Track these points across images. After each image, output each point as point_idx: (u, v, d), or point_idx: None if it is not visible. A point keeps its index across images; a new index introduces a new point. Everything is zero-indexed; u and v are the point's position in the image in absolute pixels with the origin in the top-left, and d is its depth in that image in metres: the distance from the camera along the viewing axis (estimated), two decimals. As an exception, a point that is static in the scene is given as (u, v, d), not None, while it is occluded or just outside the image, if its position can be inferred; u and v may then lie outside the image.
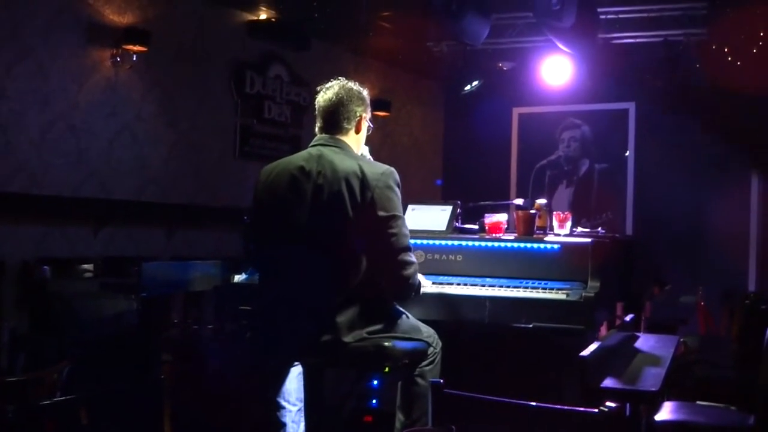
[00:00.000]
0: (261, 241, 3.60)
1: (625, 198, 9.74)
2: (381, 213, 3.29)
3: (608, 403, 1.95)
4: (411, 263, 3.37)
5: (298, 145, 8.18)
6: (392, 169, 3.41)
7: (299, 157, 3.50)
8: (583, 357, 2.56)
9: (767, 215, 9.05)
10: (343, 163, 3.37)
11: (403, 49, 9.00)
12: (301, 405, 3.63)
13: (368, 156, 3.69)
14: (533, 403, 2.00)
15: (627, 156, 9.72)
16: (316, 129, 3.60)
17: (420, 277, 3.59)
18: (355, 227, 3.29)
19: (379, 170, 3.37)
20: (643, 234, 9.14)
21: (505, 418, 2.06)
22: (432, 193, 10.16)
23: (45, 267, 5.38)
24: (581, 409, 1.97)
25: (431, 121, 10.96)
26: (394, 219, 3.32)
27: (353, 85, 3.63)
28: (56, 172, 6.18)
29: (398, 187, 3.39)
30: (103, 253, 6.37)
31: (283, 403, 3.57)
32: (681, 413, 3.72)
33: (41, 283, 5.25)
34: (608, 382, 2.65)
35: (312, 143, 3.56)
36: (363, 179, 3.30)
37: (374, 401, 4.07)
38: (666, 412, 3.69)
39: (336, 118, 3.55)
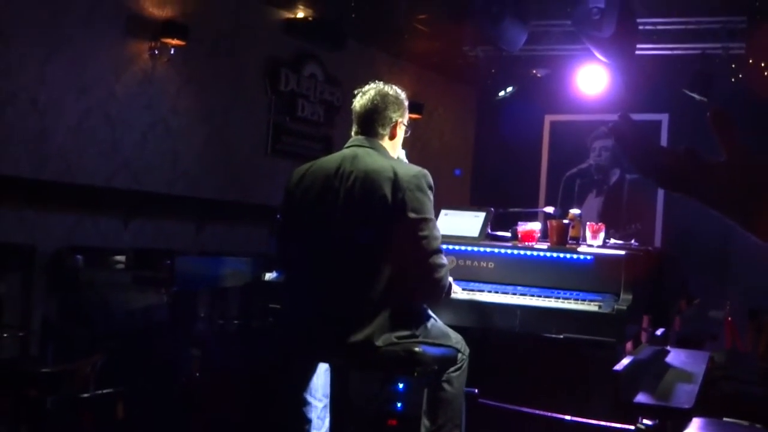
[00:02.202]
0: (292, 241, 3.61)
1: (654, 210, 9.67)
2: (412, 215, 3.29)
3: (644, 420, 1.93)
4: (442, 266, 3.37)
5: (330, 144, 8.19)
6: (425, 171, 3.41)
7: (334, 159, 3.51)
8: (617, 371, 2.55)
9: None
10: (376, 163, 3.38)
11: (438, 53, 8.99)
12: (326, 401, 3.63)
13: (405, 159, 3.69)
14: (568, 417, 1.99)
15: (658, 167, 9.64)
16: (352, 132, 3.62)
17: (451, 281, 3.60)
18: (385, 228, 3.30)
19: (412, 172, 3.37)
20: (671, 246, 9.07)
21: (539, 429, 2.05)
22: (460, 198, 10.14)
23: (78, 256, 5.40)
24: (617, 425, 1.95)
25: (462, 126, 10.94)
26: (425, 222, 3.32)
27: (390, 90, 3.62)
28: (90, 160, 6.22)
29: (431, 189, 3.39)
30: (133, 245, 6.41)
31: (309, 399, 3.58)
32: (709, 430, 3.69)
33: (74, 271, 5.27)
34: (641, 398, 2.63)
35: (347, 144, 3.57)
36: (395, 180, 3.30)
37: (399, 405, 4.06)
38: (694, 429, 3.66)
39: (371, 123, 3.56)
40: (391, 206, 3.27)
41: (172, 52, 6.69)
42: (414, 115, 9.08)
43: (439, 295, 3.43)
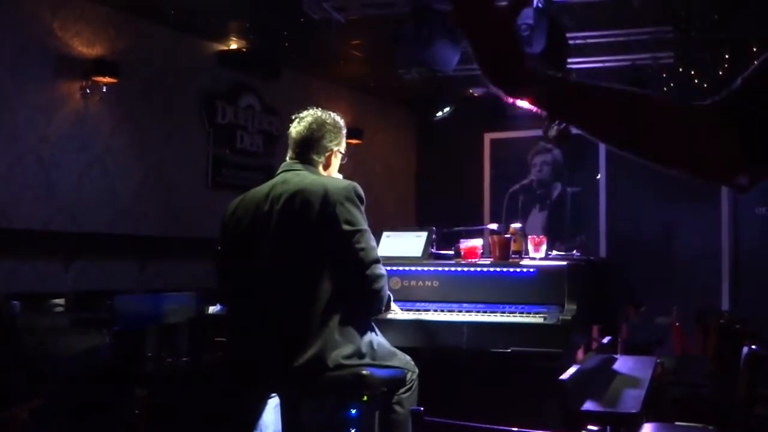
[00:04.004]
0: (232, 272, 3.58)
1: (597, 220, 9.79)
2: (346, 227, 3.28)
3: (590, 427, 1.93)
4: (381, 276, 3.36)
5: (271, 173, 8.05)
6: (354, 183, 3.41)
7: (264, 187, 3.52)
8: (562, 380, 2.55)
9: (738, 234, 9.13)
10: (305, 182, 3.38)
11: (374, 77, 9.01)
12: (278, 438, 3.58)
13: (341, 182, 3.68)
14: (515, 429, 1.98)
15: (598, 179, 9.78)
16: (287, 157, 3.61)
17: (390, 296, 3.58)
18: (320, 244, 3.29)
19: (341, 185, 3.38)
20: (616, 256, 9.17)
21: (487, 444, 2.04)
22: (405, 219, 10.15)
23: (14, 302, 5.27)
24: (564, 433, 1.95)
25: (404, 148, 10.98)
26: (360, 233, 3.31)
27: (327, 117, 3.62)
28: (26, 205, 6.10)
29: (362, 201, 3.39)
30: (75, 288, 6.27)
31: (260, 436, 3.53)
32: (661, 434, 3.71)
33: (10, 318, 5.14)
34: (589, 405, 2.64)
35: (279, 170, 3.58)
36: (325, 195, 3.30)
37: (353, 431, 4.02)
38: (646, 434, 3.67)
39: (306, 150, 3.56)
40: (324, 221, 3.27)
41: (104, 90, 6.59)
42: (354, 141, 9.09)
43: (380, 306, 3.42)
